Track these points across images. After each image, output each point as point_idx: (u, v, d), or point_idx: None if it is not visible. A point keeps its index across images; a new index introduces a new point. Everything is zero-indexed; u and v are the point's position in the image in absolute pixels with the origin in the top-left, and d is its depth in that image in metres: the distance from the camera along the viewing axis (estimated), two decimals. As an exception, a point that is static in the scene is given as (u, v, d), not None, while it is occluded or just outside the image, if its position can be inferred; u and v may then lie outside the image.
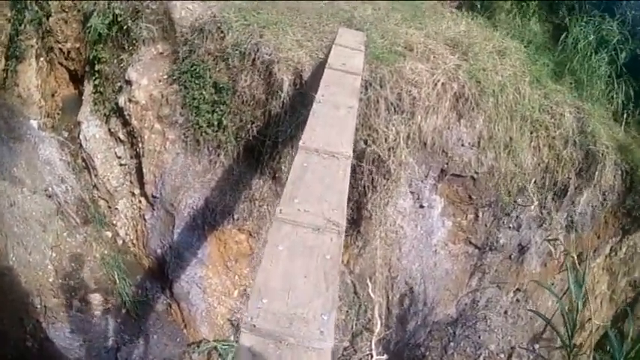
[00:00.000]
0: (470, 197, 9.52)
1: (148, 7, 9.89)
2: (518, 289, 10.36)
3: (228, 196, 9.27)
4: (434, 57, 9.16)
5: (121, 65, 10.12)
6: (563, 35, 10.69)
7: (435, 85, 8.90)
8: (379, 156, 8.73)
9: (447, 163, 9.22)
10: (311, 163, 5.14)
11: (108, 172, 10.27)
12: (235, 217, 9.26)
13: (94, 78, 10.56)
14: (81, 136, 10.55)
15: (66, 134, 11.05)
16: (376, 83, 8.71)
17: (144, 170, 9.70)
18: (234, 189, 9.27)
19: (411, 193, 9.26)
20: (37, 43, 11.01)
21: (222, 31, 9.28)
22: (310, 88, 8.63)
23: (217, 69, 9.25)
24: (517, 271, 10.20)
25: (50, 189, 10.35)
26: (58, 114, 11.20)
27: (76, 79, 11.46)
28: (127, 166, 10.15)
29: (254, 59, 9.00)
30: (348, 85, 7.31)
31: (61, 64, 11.42)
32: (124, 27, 10.04)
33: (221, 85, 9.17)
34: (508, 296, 10.34)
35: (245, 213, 9.24)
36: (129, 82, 9.85)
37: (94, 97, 10.58)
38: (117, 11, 10.12)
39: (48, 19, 11.23)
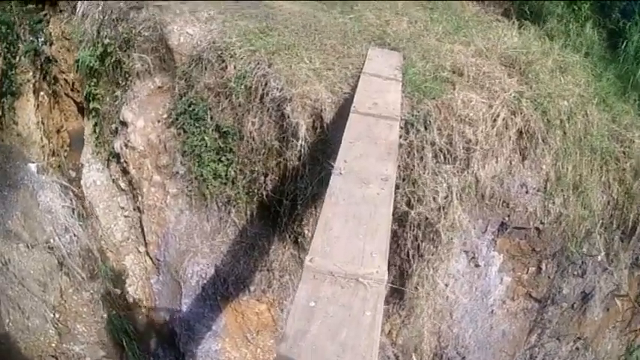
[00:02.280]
0: (533, 250, 5.64)
1: (140, 35, 6.00)
2: (578, 338, 6.49)
3: (241, 264, 5.55)
4: (489, 82, 5.18)
5: (116, 103, 6.29)
6: (623, 44, 6.55)
7: (495, 121, 4.97)
8: (427, 218, 4.84)
9: (509, 216, 5.38)
10: (322, 298, 2.43)
11: (112, 224, 6.57)
12: (251, 288, 5.51)
13: (91, 116, 6.74)
14: (82, 182, 6.76)
15: (73, 174, 7.26)
16: (419, 124, 4.82)
17: (145, 229, 5.96)
18: (248, 255, 5.53)
19: (465, 252, 5.45)
20: (35, 77, 7.20)
21: (223, 61, 5.42)
22: (334, 133, 4.79)
23: (220, 108, 5.41)
24: (579, 320, 6.39)
25: (52, 240, 6.70)
26: (66, 151, 7.38)
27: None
28: (131, 219, 6.37)
29: (262, 95, 5.12)
30: (382, 140, 3.88)
31: (68, 95, 7.60)
32: (114, 59, 6.15)
33: (225, 129, 5.36)
34: (567, 346, 6.49)
35: (263, 284, 5.52)
36: (124, 124, 6.08)
37: (94, 138, 6.76)
38: (106, 41, 6.22)
39: (51, 46, 7.38)
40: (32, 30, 7.22)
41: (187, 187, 5.68)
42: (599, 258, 5.99)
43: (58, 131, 7.53)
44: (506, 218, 5.37)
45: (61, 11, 7.43)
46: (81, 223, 6.85)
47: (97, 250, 6.78)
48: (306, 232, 5.22)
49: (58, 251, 6.66)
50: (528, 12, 6.57)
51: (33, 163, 6.98)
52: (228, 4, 6.31)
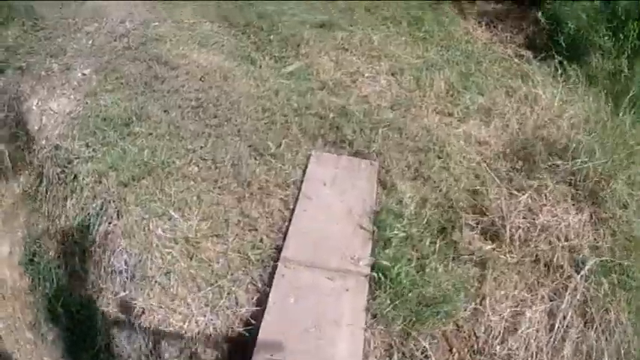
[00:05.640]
0: None
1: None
2: None
3: None
4: (549, 245, 1.55)
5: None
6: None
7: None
8: None
9: None
10: None
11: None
12: None
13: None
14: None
15: None
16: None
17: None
18: None
19: None
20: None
21: (65, 184, 1.90)
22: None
23: (67, 270, 2.01)
24: None
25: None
26: None
27: None
28: None
29: (112, 273, 1.68)
30: None
31: None
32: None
33: (75, 313, 1.98)
34: None
35: None
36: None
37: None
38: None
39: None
40: None
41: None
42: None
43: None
44: None
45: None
46: None
47: None
48: None
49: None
50: (564, 44, 2.63)
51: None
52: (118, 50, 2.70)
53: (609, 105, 2.27)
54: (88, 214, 1.94)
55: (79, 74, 2.74)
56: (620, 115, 2.19)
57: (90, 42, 3.02)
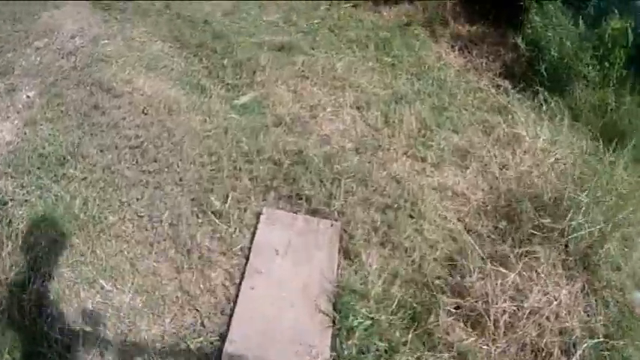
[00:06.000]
0: None
1: None
2: None
3: None
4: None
5: None
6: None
7: None
8: None
9: None
10: None
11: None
12: None
13: None
14: None
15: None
16: None
17: None
18: None
19: None
20: None
21: (1, 226, 1.52)
22: None
23: (10, 320, 1.60)
24: None
25: None
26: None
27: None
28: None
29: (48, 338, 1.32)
30: None
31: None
32: None
33: None
34: None
35: None
36: None
37: None
38: None
39: None
40: None
41: None
42: None
43: None
44: None
45: None
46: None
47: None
48: None
49: None
50: (545, 73, 2.40)
51: None
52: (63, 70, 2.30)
53: (597, 144, 2.02)
54: (23, 266, 1.57)
55: (24, 96, 2.37)
56: (610, 154, 1.94)
57: (38, 59, 2.62)
